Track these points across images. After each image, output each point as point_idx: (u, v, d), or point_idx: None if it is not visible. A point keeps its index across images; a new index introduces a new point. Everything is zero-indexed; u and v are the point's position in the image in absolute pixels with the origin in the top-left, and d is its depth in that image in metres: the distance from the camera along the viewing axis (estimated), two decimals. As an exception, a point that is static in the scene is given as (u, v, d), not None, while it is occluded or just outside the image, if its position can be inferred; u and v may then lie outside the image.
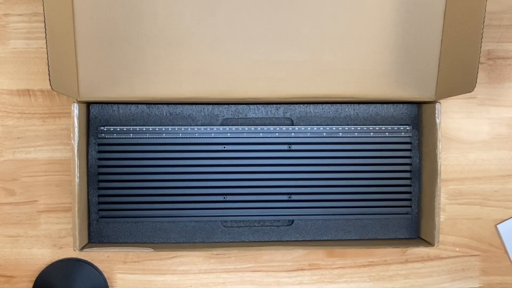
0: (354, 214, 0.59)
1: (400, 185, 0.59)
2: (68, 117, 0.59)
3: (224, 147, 0.58)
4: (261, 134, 0.58)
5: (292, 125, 0.59)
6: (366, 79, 0.55)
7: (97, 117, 0.58)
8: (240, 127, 0.58)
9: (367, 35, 0.54)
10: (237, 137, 0.58)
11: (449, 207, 0.63)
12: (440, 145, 0.55)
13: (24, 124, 0.60)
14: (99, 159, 0.57)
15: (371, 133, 0.59)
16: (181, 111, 0.58)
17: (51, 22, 0.48)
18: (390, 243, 0.59)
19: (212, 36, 0.53)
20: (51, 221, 0.60)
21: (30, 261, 0.60)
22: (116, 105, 0.58)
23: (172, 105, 0.58)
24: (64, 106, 0.60)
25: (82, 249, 0.54)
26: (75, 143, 0.52)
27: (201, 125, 0.58)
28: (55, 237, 0.60)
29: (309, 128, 0.58)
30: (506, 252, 0.63)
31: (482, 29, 0.49)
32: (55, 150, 0.60)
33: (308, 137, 0.58)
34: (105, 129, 0.57)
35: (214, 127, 0.58)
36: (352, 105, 0.59)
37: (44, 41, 0.48)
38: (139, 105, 0.58)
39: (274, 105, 0.59)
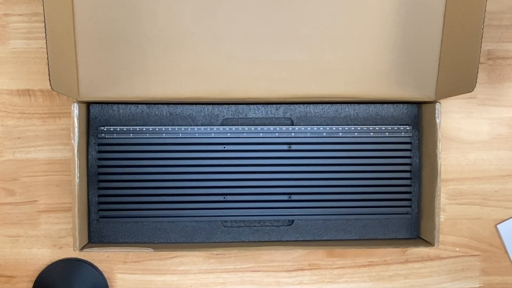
0: (354, 214, 0.59)
1: (400, 185, 0.59)
2: (68, 117, 0.59)
3: (224, 147, 0.58)
4: (261, 134, 0.58)
5: (292, 125, 0.59)
6: (366, 79, 0.55)
7: (97, 117, 0.58)
8: (240, 127, 0.58)
9: (367, 35, 0.54)
10: (237, 137, 0.58)
11: (449, 207, 0.63)
12: (440, 145, 0.55)
13: (24, 124, 0.60)
14: (99, 159, 0.57)
15: (371, 133, 0.59)
16: (181, 111, 0.58)
17: (51, 22, 0.48)
18: (390, 243, 0.59)
19: (212, 36, 0.53)
20: (51, 221, 0.60)
21: (30, 261, 0.60)
22: (116, 105, 0.58)
23: (172, 105, 0.58)
24: (64, 106, 0.60)
25: (82, 249, 0.54)
26: (75, 143, 0.52)
27: (201, 125, 0.58)
28: (55, 237, 0.60)
29: (309, 128, 0.58)
30: (506, 252, 0.63)
31: (482, 29, 0.49)
32: (55, 150, 0.60)
33: (308, 137, 0.58)
34: (105, 129, 0.57)
35: (214, 127, 0.58)
36: (352, 105, 0.59)
37: (44, 41, 0.48)
38: (139, 105, 0.58)
39: (274, 105, 0.59)
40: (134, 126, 0.57)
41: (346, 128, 0.59)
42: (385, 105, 0.59)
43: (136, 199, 0.57)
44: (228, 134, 0.58)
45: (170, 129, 0.57)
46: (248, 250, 0.61)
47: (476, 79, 0.50)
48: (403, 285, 0.63)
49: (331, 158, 0.58)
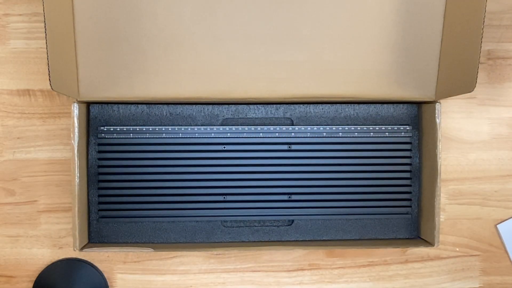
0: (354, 214, 0.59)
1: (400, 185, 0.59)
2: (68, 117, 0.59)
3: (224, 147, 0.58)
4: (261, 134, 0.58)
5: (292, 125, 0.59)
6: (366, 79, 0.55)
7: (97, 117, 0.58)
8: (240, 127, 0.58)
9: (367, 35, 0.54)
10: (237, 137, 0.58)
11: (449, 207, 0.63)
12: (440, 145, 0.55)
13: (24, 124, 0.60)
14: (99, 159, 0.57)
15: (371, 133, 0.59)
16: (181, 111, 0.58)
17: (51, 22, 0.48)
18: (390, 243, 0.59)
19: (212, 36, 0.53)
20: (51, 221, 0.60)
21: (30, 261, 0.60)
22: (116, 105, 0.58)
23: (172, 105, 0.58)
24: (64, 106, 0.60)
25: (82, 249, 0.54)
26: (75, 143, 0.52)
27: (201, 125, 0.58)
28: (55, 237, 0.60)
29: (309, 128, 0.58)
30: (506, 252, 0.63)
31: (482, 29, 0.49)
32: (55, 150, 0.60)
33: (308, 137, 0.58)
34: (105, 129, 0.57)
35: (214, 127, 0.58)
36: (352, 105, 0.59)
37: (44, 41, 0.48)
38: (139, 105, 0.58)
39: (274, 105, 0.59)
40: (134, 126, 0.57)
41: (346, 128, 0.59)
42: (385, 105, 0.59)
43: (136, 199, 0.57)
44: (228, 134, 0.58)
45: (170, 129, 0.57)
46: (248, 250, 0.61)
47: (476, 79, 0.50)
48: (403, 285, 0.63)
49: (331, 158, 0.58)
